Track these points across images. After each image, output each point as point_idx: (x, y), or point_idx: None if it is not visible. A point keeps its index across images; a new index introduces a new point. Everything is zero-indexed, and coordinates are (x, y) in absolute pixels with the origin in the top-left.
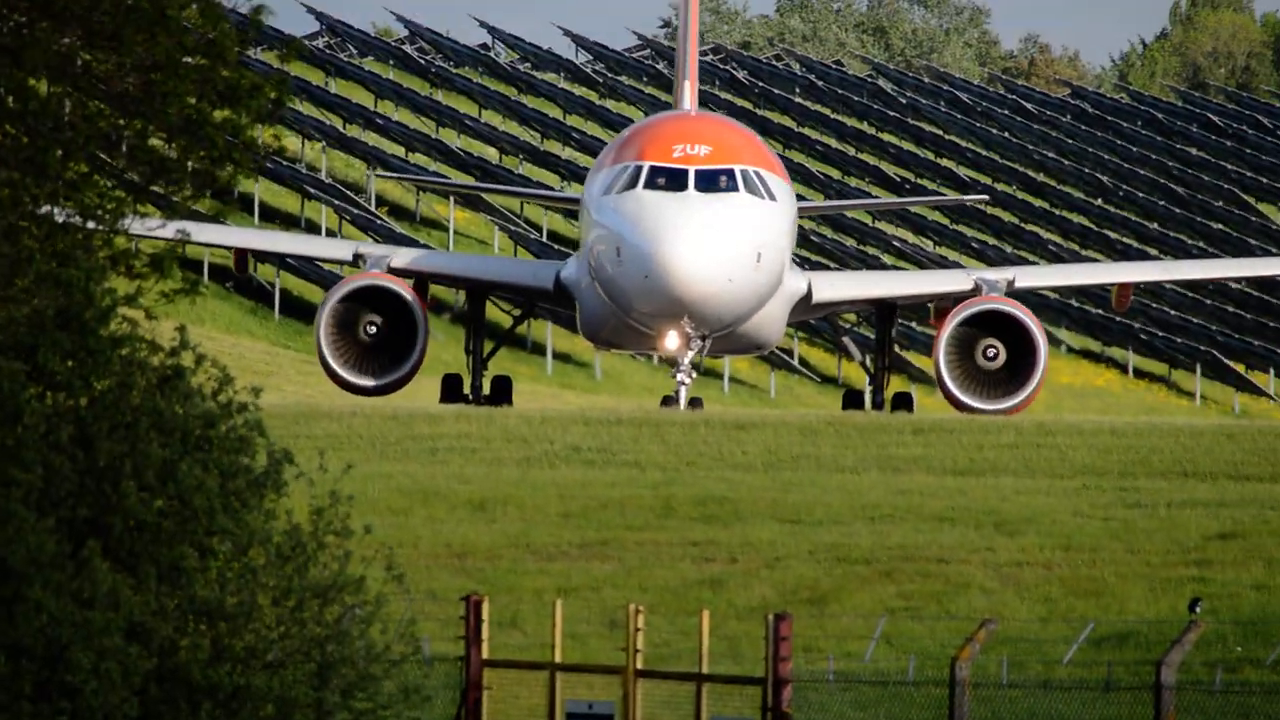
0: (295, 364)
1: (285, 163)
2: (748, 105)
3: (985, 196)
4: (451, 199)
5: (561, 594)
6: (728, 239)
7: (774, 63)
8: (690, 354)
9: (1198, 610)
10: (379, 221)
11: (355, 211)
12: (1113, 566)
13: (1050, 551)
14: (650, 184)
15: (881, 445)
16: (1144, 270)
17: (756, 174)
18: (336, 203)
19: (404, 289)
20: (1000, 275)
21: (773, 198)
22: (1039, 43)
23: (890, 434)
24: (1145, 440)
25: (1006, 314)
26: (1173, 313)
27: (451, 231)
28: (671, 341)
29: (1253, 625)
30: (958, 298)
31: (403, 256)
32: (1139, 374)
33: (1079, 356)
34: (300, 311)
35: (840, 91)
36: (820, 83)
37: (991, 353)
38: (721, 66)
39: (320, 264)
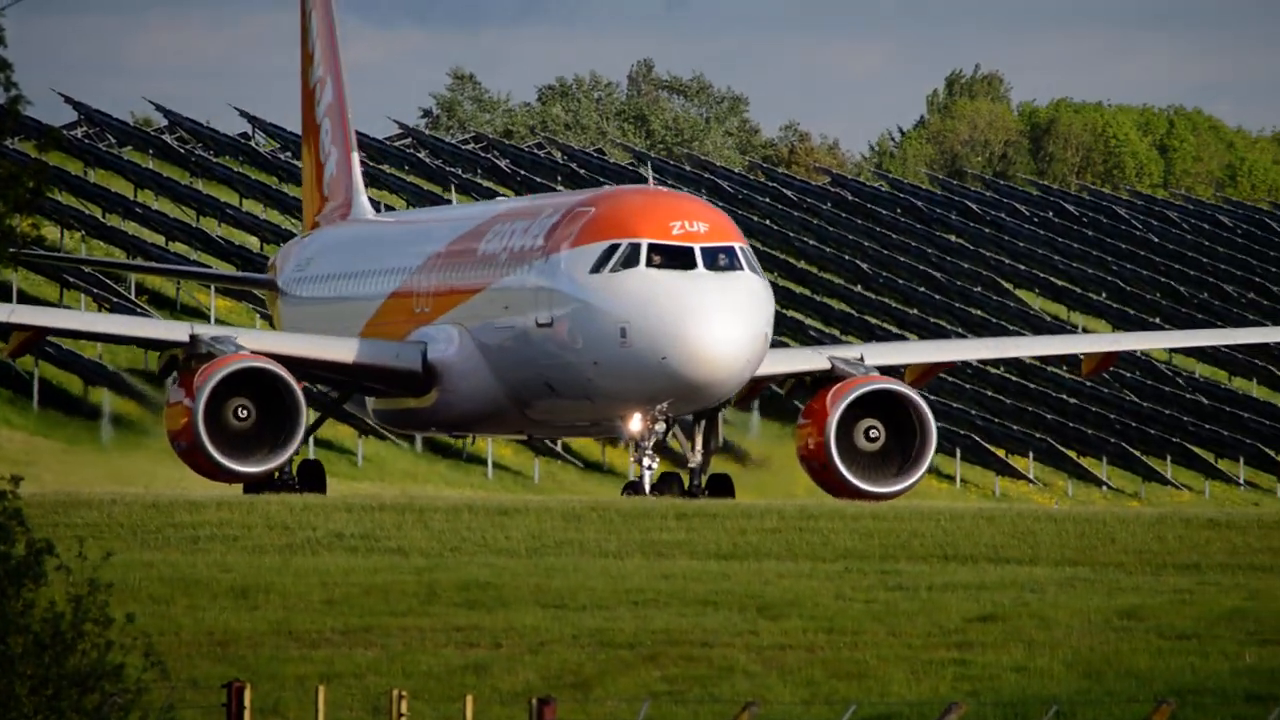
0: (55, 453)
1: (44, 251)
2: (509, 193)
3: None
4: (212, 287)
5: (325, 680)
6: (746, 319)
7: (536, 151)
8: (654, 437)
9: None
10: (139, 311)
11: (115, 300)
12: (874, 649)
13: (813, 634)
14: (651, 262)
15: (645, 530)
16: (995, 347)
17: (744, 250)
18: (96, 291)
19: (282, 371)
20: (850, 353)
21: (760, 274)
22: (799, 131)
23: (654, 519)
24: (906, 524)
25: (897, 394)
26: (933, 397)
27: (213, 319)
28: (636, 424)
29: (1013, 707)
30: (816, 377)
31: (250, 339)
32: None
33: None
34: (60, 401)
35: (602, 180)
36: (582, 171)
37: (874, 434)
38: (484, 155)
39: (81, 354)
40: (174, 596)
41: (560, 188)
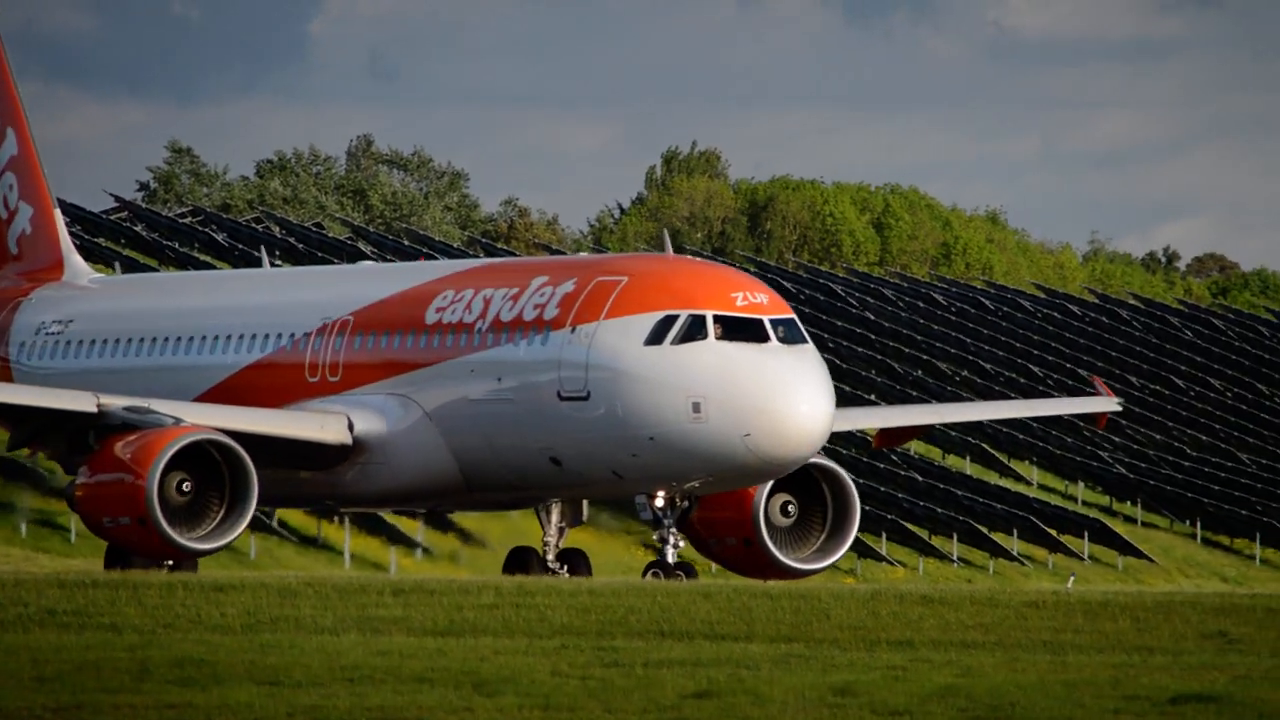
0: None
1: None
2: (227, 267)
3: None
4: None
5: None
6: (825, 393)
7: (254, 225)
8: (678, 513)
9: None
10: None
11: None
12: None
13: (529, 711)
14: (719, 334)
15: (361, 606)
16: (901, 415)
17: (800, 323)
18: None
19: (235, 443)
20: None
21: None
22: (518, 206)
23: (370, 595)
24: (623, 600)
25: (823, 468)
26: None
27: None
28: (660, 501)
29: None
30: None
31: (170, 408)
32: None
33: None
34: None
35: (320, 254)
36: (300, 245)
37: (791, 509)
38: (201, 229)
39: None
40: None
41: (279, 262)
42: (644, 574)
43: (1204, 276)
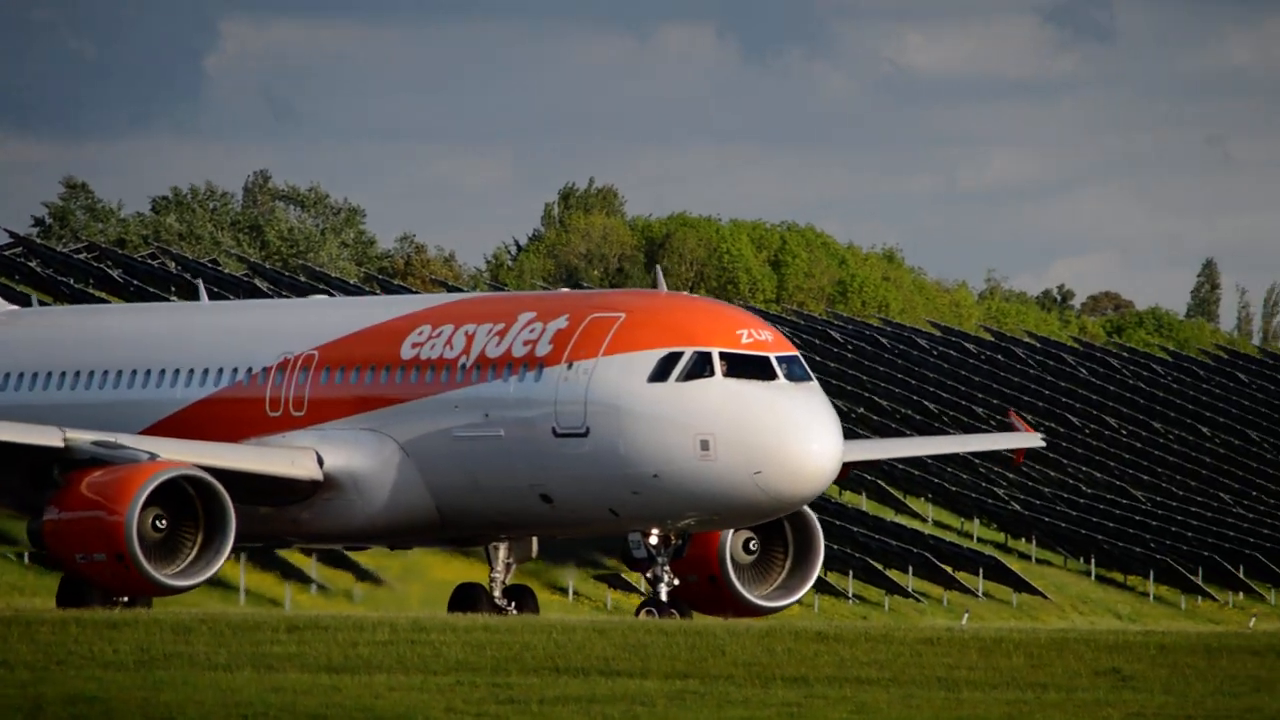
0: None
1: None
2: (121, 301)
3: None
4: None
5: None
6: (835, 431)
7: (149, 261)
8: (669, 551)
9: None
10: None
11: None
12: None
13: None
14: (727, 372)
15: (256, 643)
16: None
17: (802, 359)
18: None
19: (213, 479)
20: None
21: None
22: (415, 243)
23: (265, 631)
24: (518, 636)
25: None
26: None
27: None
28: (654, 540)
29: None
30: None
31: (142, 443)
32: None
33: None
34: None
35: (217, 290)
36: (196, 281)
37: (754, 546)
38: (96, 264)
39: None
40: None
41: (174, 298)
42: (637, 613)
43: (1099, 315)
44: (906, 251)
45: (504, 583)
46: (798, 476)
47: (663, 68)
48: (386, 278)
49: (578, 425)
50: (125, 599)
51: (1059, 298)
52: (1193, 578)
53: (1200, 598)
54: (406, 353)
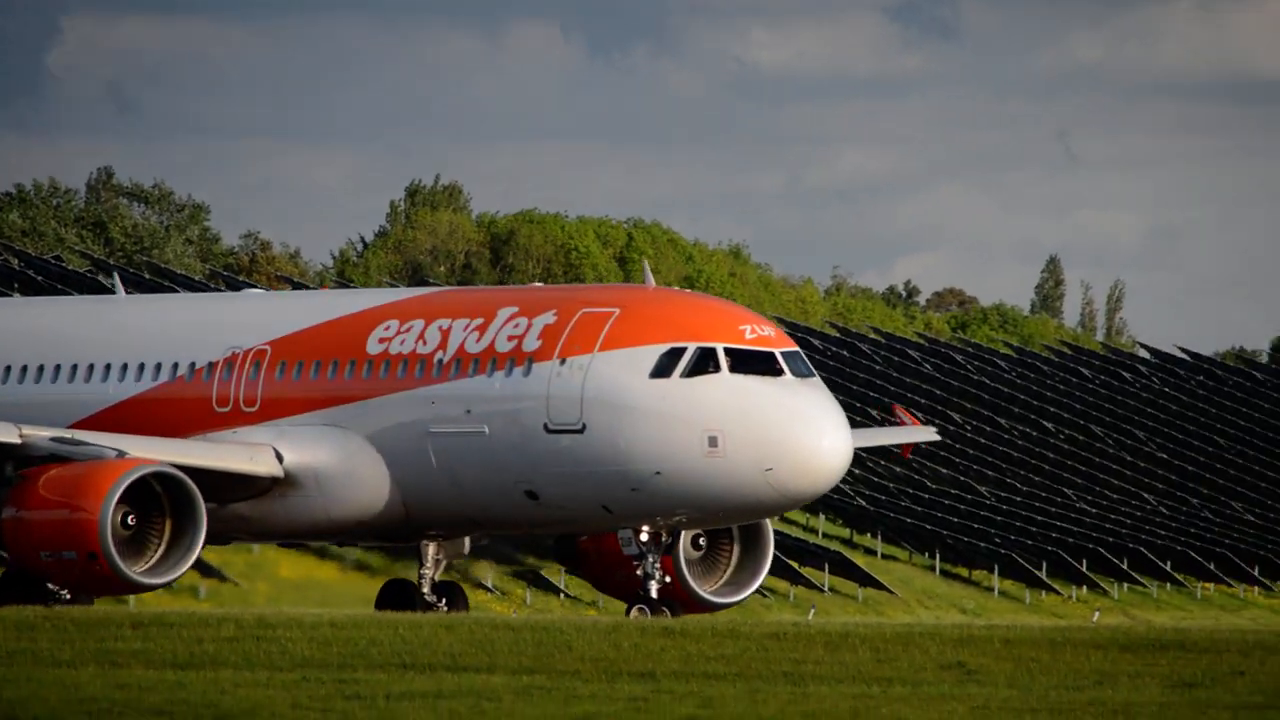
0: None
1: None
2: None
3: None
4: None
5: None
6: (845, 427)
7: None
8: (660, 548)
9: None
10: None
11: None
12: None
13: None
14: (732, 368)
15: (100, 639)
16: None
17: (803, 354)
18: None
19: (185, 476)
20: None
21: None
22: (260, 240)
23: (109, 627)
24: (365, 633)
25: None
26: None
27: None
28: (644, 537)
29: None
30: None
31: (110, 440)
32: (360, 566)
33: (300, 550)
34: None
35: (60, 287)
36: (40, 278)
37: (702, 541)
38: None
39: None
40: None
41: (16, 294)
42: (628, 612)
43: (943, 311)
44: (753, 248)
45: (433, 579)
46: (810, 473)
47: (510, 65)
48: (231, 275)
49: (572, 421)
50: (68, 596)
51: (904, 294)
52: (1037, 572)
53: (1044, 592)
54: (373, 347)
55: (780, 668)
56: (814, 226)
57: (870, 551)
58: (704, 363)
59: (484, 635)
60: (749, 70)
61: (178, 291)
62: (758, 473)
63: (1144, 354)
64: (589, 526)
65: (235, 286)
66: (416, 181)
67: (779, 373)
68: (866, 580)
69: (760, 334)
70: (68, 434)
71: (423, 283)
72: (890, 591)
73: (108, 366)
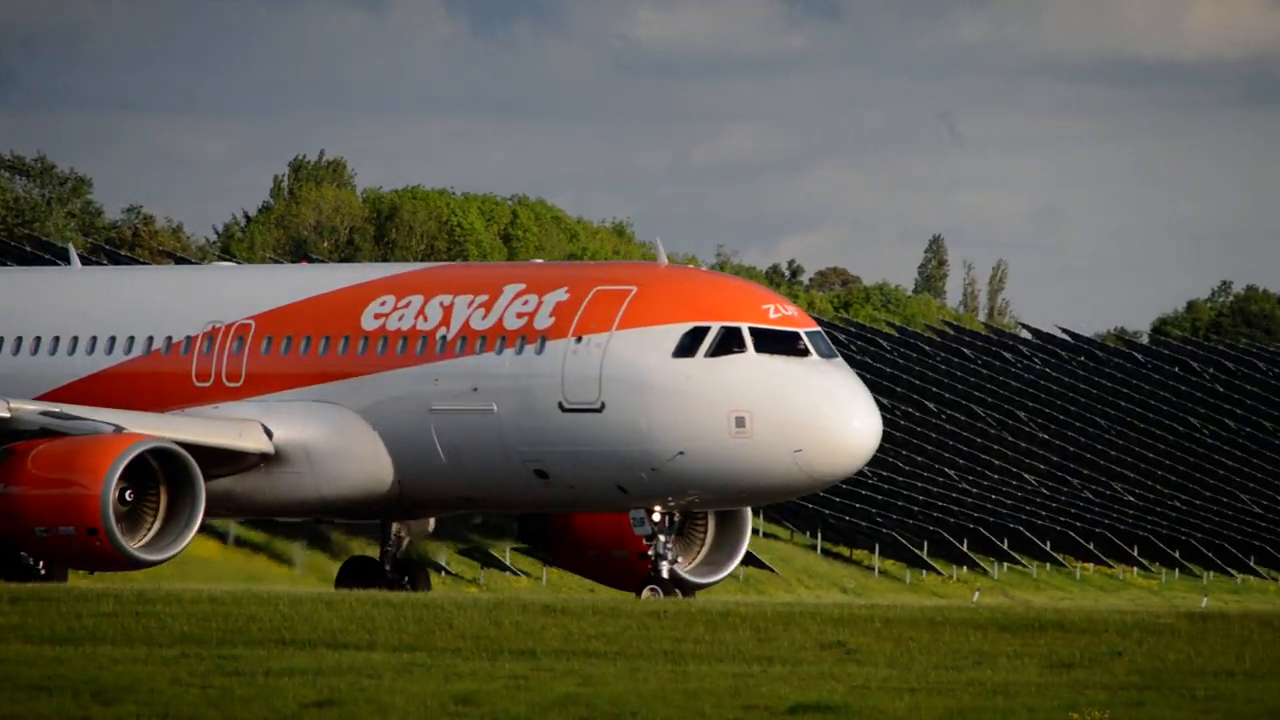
0: None
1: None
2: None
3: None
4: None
5: None
6: (874, 407)
7: None
8: (672, 528)
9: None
10: None
11: None
12: None
13: None
14: (758, 347)
15: None
16: None
17: (825, 334)
18: None
19: (183, 452)
20: None
21: None
22: (143, 214)
23: None
24: (244, 608)
25: None
26: None
27: None
28: (656, 517)
29: None
30: None
31: (105, 415)
32: (240, 542)
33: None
34: None
35: None
36: None
37: (676, 519)
38: None
39: None
40: None
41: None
42: (639, 593)
43: (827, 290)
44: (637, 226)
45: (395, 557)
46: (840, 454)
47: (393, 40)
48: (113, 249)
49: (590, 400)
50: (41, 569)
51: (788, 273)
52: (918, 552)
53: (925, 572)
54: (369, 323)
55: (661, 646)
56: (698, 204)
57: (752, 530)
58: (728, 342)
59: (364, 612)
60: (633, 46)
61: (57, 265)
62: (786, 454)
63: (1026, 335)
64: (600, 506)
65: (117, 261)
66: (301, 157)
67: (804, 353)
68: (747, 559)
69: (784, 313)
70: (59, 408)
71: (305, 258)
72: (771, 570)
73: (75, 339)
